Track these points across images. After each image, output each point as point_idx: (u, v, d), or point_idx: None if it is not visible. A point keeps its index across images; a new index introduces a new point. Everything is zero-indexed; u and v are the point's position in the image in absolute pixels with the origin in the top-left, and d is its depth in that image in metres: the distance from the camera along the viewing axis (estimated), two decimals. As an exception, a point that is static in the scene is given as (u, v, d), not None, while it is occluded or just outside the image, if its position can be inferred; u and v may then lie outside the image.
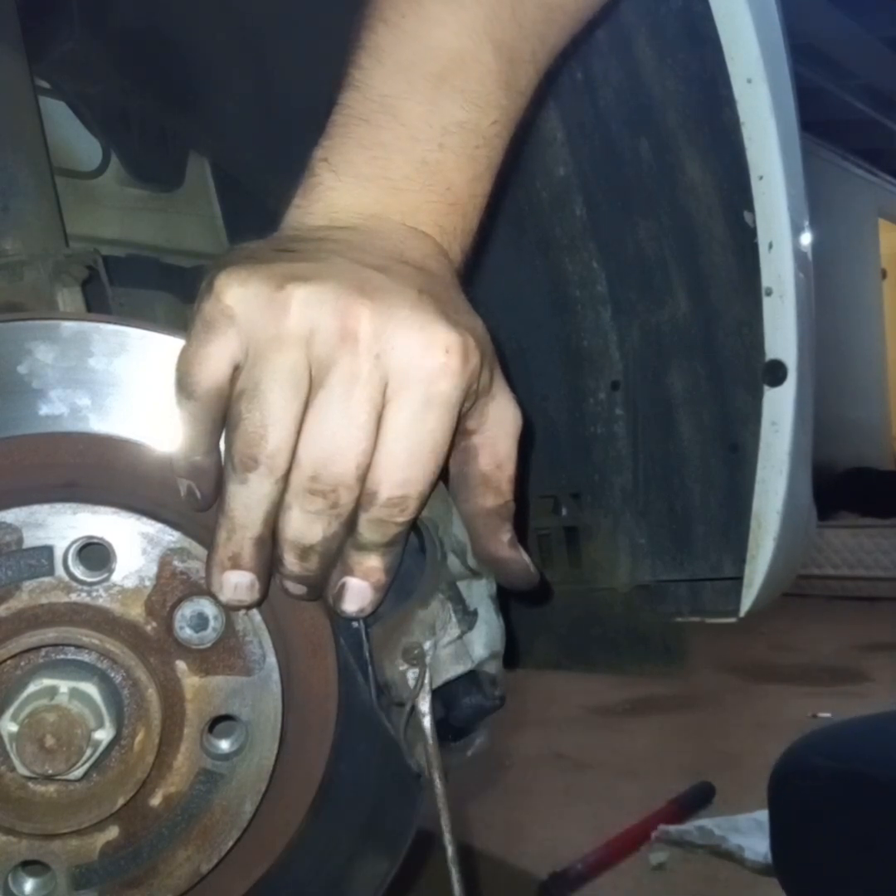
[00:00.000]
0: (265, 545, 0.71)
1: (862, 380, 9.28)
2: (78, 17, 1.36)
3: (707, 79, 1.17)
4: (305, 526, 0.69)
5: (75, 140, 1.49)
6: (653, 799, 3.24)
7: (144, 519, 0.73)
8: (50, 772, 0.69)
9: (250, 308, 0.68)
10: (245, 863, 0.79)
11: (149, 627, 0.74)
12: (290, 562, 0.71)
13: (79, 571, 0.73)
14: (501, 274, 1.28)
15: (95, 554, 0.73)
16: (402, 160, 0.75)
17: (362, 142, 0.75)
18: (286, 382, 0.67)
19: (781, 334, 1.20)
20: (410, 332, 0.67)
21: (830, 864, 1.34)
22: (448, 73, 0.77)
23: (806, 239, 1.21)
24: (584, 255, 1.30)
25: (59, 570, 0.72)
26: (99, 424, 0.76)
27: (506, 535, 0.76)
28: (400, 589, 0.76)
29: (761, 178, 1.17)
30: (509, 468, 0.75)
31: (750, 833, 2.88)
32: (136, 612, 0.73)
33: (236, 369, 0.69)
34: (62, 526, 0.72)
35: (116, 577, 0.73)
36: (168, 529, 0.73)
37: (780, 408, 1.21)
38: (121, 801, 0.73)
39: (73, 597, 0.73)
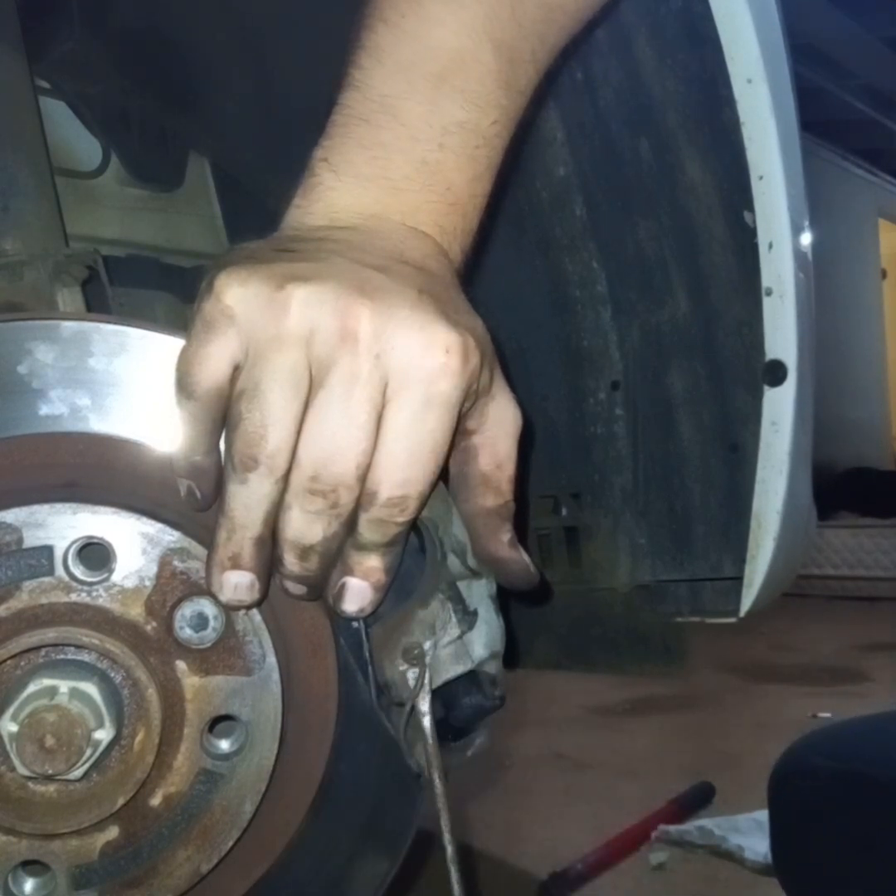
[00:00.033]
0: (265, 545, 0.71)
1: (862, 380, 9.28)
2: (78, 17, 1.36)
3: (707, 79, 1.17)
4: (305, 526, 0.69)
5: (75, 140, 1.49)
6: (653, 799, 3.24)
7: (144, 519, 0.73)
8: (50, 772, 0.69)
9: (250, 308, 0.68)
10: (245, 863, 0.79)
11: (149, 627, 0.74)
12: (290, 562, 0.71)
13: (79, 571, 0.73)
14: (501, 274, 1.28)
15: (95, 554, 0.73)
16: (402, 160, 0.75)
17: (362, 142, 0.75)
18: (286, 382, 0.67)
19: (781, 334, 1.20)
20: (410, 332, 0.67)
21: (830, 864, 1.34)
22: (448, 73, 0.77)
23: (806, 239, 1.21)
24: (584, 255, 1.30)
25: (59, 570, 0.72)
26: (99, 424, 0.76)
27: (506, 535, 0.76)
28: (400, 589, 0.76)
29: (761, 178, 1.17)
30: (509, 468, 0.75)
31: (750, 833, 2.88)
32: (136, 612, 0.73)
33: (236, 369, 0.69)
34: (62, 526, 0.72)
35: (116, 576, 0.73)
36: (168, 529, 0.73)
37: (780, 408, 1.21)
38: (121, 801, 0.73)
39: (73, 597, 0.73)
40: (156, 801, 0.75)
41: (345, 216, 0.74)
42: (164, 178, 1.57)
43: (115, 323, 0.77)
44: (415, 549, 0.77)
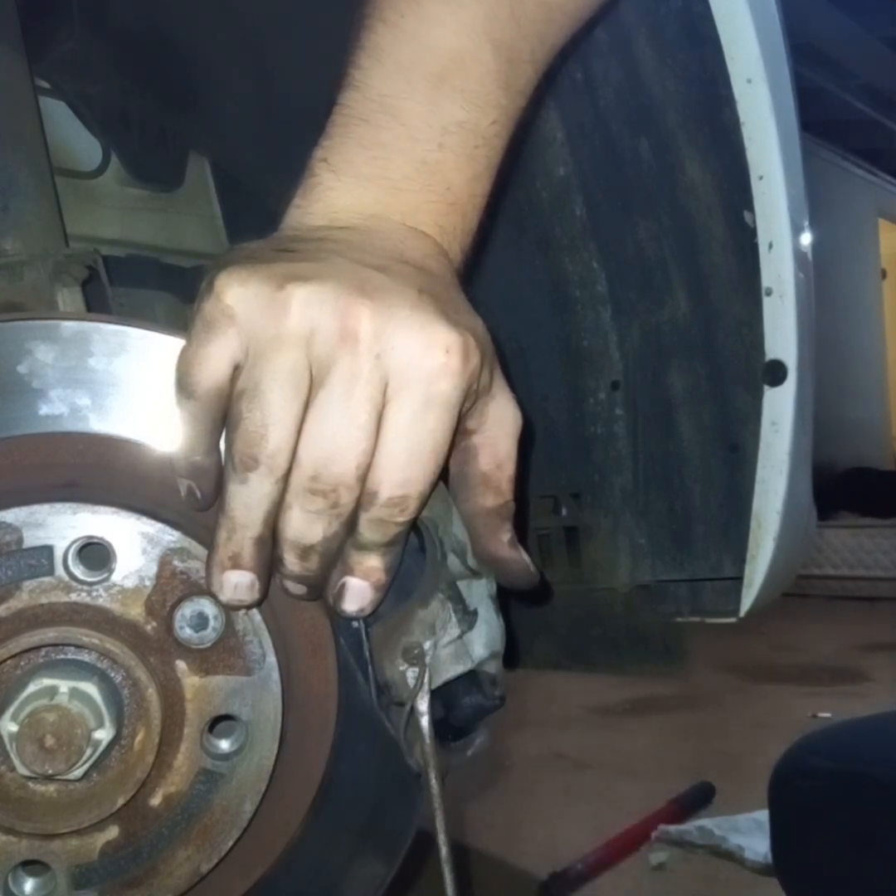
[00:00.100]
0: (265, 545, 0.71)
1: (862, 380, 9.28)
2: (78, 17, 1.36)
3: (707, 79, 1.17)
4: (306, 526, 0.69)
5: (75, 140, 1.49)
6: (653, 799, 3.24)
7: (144, 519, 0.73)
8: (50, 771, 0.69)
9: (250, 308, 0.68)
10: (245, 863, 0.79)
11: (149, 627, 0.74)
12: (291, 561, 0.71)
13: (79, 571, 0.73)
14: (501, 274, 1.28)
15: (95, 554, 0.73)
16: (402, 160, 0.75)
17: (362, 142, 0.75)
18: (286, 382, 0.67)
19: (781, 334, 1.20)
20: (411, 331, 0.67)
21: (830, 864, 1.34)
22: (447, 73, 0.77)
23: (806, 239, 1.21)
24: (584, 255, 1.30)
25: (59, 570, 0.72)
26: (99, 424, 0.76)
27: (506, 534, 0.76)
28: (400, 589, 0.76)
29: (761, 178, 1.16)
30: (509, 468, 0.75)
31: (750, 833, 2.88)
32: (136, 611, 0.73)
33: (236, 369, 0.69)
34: (62, 526, 0.72)
35: (116, 576, 0.73)
36: (168, 529, 0.73)
37: (780, 408, 1.21)
38: (121, 801, 0.73)
39: (73, 596, 0.73)
40: (156, 800, 0.75)
41: (345, 216, 0.74)
42: (164, 178, 1.57)
43: (115, 323, 0.77)
44: (415, 549, 0.77)
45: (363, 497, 0.69)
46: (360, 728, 0.80)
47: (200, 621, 0.74)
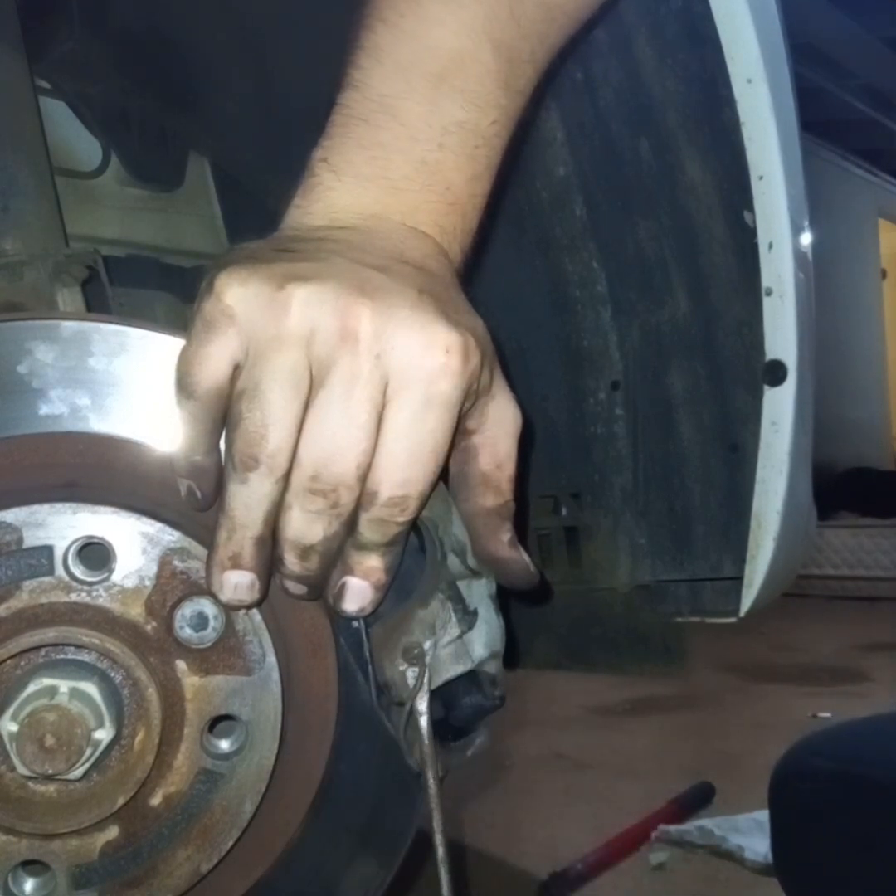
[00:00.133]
0: (265, 545, 0.71)
1: (862, 380, 9.28)
2: (78, 17, 1.36)
3: (707, 79, 1.16)
4: (306, 525, 0.69)
5: (75, 140, 1.49)
6: (653, 799, 3.24)
7: (144, 519, 0.73)
8: (50, 771, 0.69)
9: (251, 308, 0.68)
10: (245, 863, 0.79)
11: (149, 627, 0.74)
12: (291, 561, 0.71)
13: (79, 571, 0.73)
14: (501, 274, 1.28)
15: (95, 554, 0.73)
16: (402, 160, 0.75)
17: (362, 142, 0.75)
18: (286, 382, 0.67)
19: (781, 334, 1.20)
20: (411, 331, 0.67)
21: (831, 865, 1.34)
22: (447, 73, 0.77)
23: (806, 239, 1.21)
24: (584, 255, 1.30)
25: (59, 570, 0.72)
26: (99, 424, 0.76)
27: (506, 534, 0.76)
28: (400, 588, 0.76)
29: (761, 178, 1.16)
30: (509, 468, 0.75)
31: (750, 833, 2.88)
32: (136, 611, 0.73)
33: (236, 369, 0.69)
34: (62, 526, 0.72)
35: (116, 576, 0.73)
36: (168, 529, 0.73)
37: (780, 408, 1.21)
38: (121, 801, 0.73)
39: (73, 596, 0.73)
40: (156, 800, 0.75)
41: (344, 216, 0.74)
42: (164, 178, 1.57)
43: (115, 323, 0.77)
44: (415, 549, 0.77)
45: (363, 497, 0.69)
46: (360, 728, 0.80)
47: (200, 621, 0.74)
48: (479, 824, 3.01)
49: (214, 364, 0.69)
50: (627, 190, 1.26)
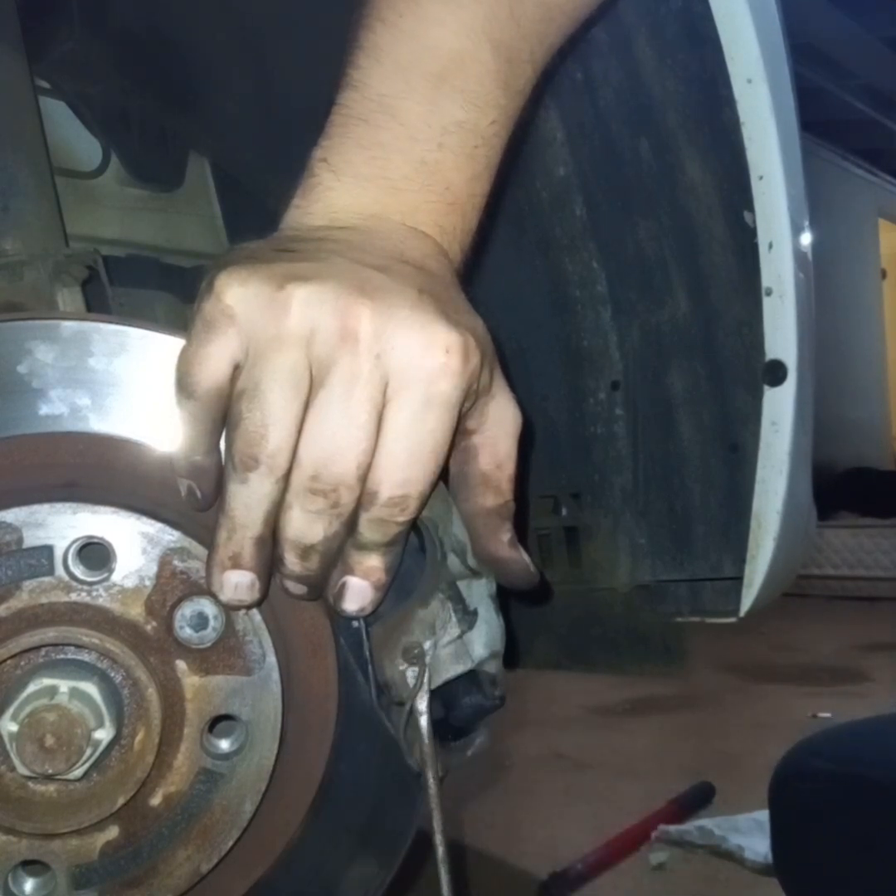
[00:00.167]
0: (266, 545, 0.71)
1: (862, 380, 9.28)
2: (78, 17, 1.36)
3: (707, 79, 1.16)
4: (306, 525, 0.69)
5: (75, 140, 1.49)
6: (653, 799, 3.25)
7: (144, 518, 0.73)
8: (50, 771, 0.69)
9: (251, 308, 0.68)
10: (245, 863, 0.79)
11: (149, 627, 0.74)
12: (291, 561, 0.71)
13: (79, 571, 0.73)
14: (501, 274, 1.28)
15: (95, 553, 0.73)
16: (401, 160, 0.75)
17: (361, 142, 0.75)
18: (286, 382, 0.67)
19: (781, 334, 1.20)
20: (411, 331, 0.67)
21: (831, 866, 1.34)
22: (447, 73, 0.77)
23: (806, 239, 1.21)
24: (584, 255, 1.30)
25: (59, 570, 0.72)
26: (99, 424, 0.76)
27: (506, 534, 0.76)
28: (400, 588, 0.76)
29: (761, 178, 1.16)
30: (509, 468, 0.75)
31: (750, 833, 2.88)
32: (136, 611, 0.73)
33: (236, 369, 0.69)
34: (62, 526, 0.72)
35: (116, 576, 0.73)
36: (168, 529, 0.73)
37: (780, 408, 1.21)
38: (121, 801, 0.73)
39: (73, 596, 0.73)
40: (156, 800, 0.75)
41: (344, 216, 0.74)
42: (164, 178, 1.57)
43: (115, 323, 0.77)
44: (415, 549, 0.78)
45: (363, 497, 0.69)
46: (360, 728, 0.80)
47: (200, 621, 0.74)
48: (479, 824, 3.01)
49: (214, 364, 0.69)
50: (627, 190, 1.26)
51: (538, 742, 3.85)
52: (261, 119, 1.42)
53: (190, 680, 0.74)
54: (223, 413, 0.70)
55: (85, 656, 0.74)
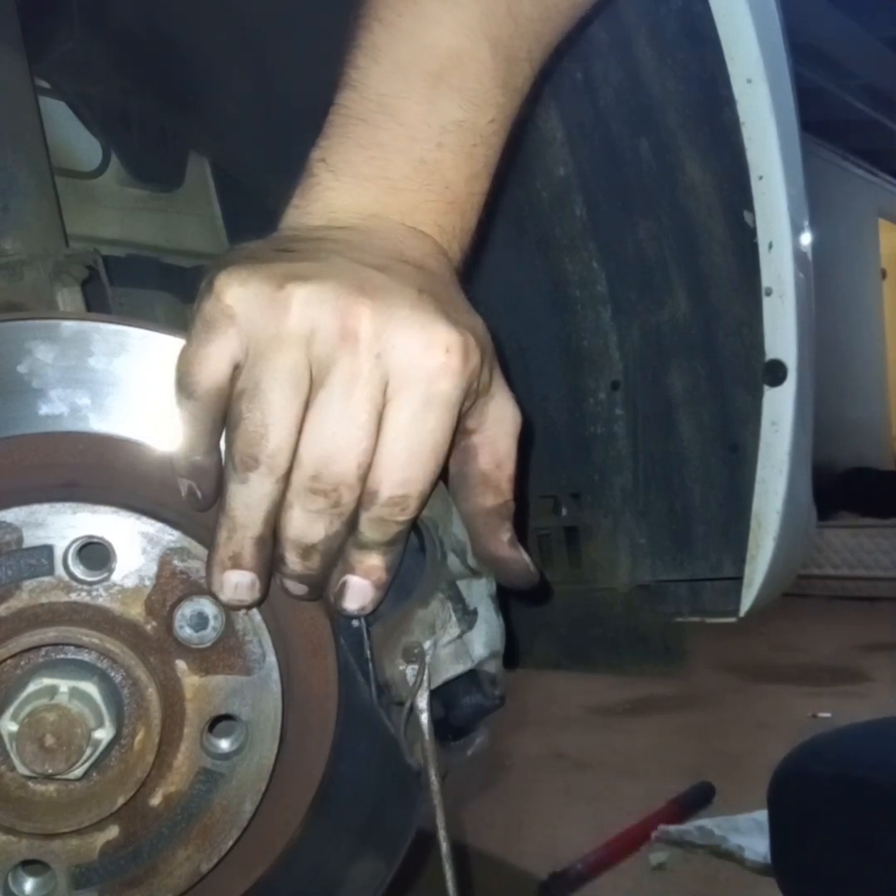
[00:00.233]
0: (266, 544, 0.71)
1: (862, 380, 9.28)
2: (78, 17, 1.36)
3: (707, 79, 1.17)
4: (307, 525, 0.70)
5: (75, 140, 1.49)
6: (653, 799, 3.24)
7: (144, 518, 0.73)
8: (50, 771, 0.69)
9: (251, 308, 0.68)
10: (245, 862, 0.79)
11: (149, 627, 0.74)
12: (292, 561, 0.71)
13: (79, 571, 0.73)
14: (501, 273, 1.28)
15: (95, 553, 0.73)
16: (401, 160, 0.75)
17: (360, 141, 0.75)
18: (286, 382, 0.67)
19: (781, 334, 1.20)
20: (411, 331, 0.67)
21: (830, 869, 1.34)
22: (445, 72, 0.77)
23: (806, 239, 1.21)
24: (584, 255, 1.30)
25: (59, 570, 0.72)
26: (99, 424, 0.76)
27: (506, 534, 0.76)
28: (400, 588, 0.77)
29: (761, 178, 1.17)
30: (509, 467, 0.75)
31: (750, 833, 2.88)
32: (135, 611, 0.73)
33: (237, 369, 0.69)
34: (62, 525, 0.72)
35: (116, 576, 0.73)
36: (168, 529, 0.73)
37: (780, 408, 1.21)
38: (121, 801, 0.73)
39: (73, 596, 0.73)
40: (156, 800, 0.75)
41: (343, 216, 0.74)
42: (164, 178, 1.57)
43: (115, 323, 0.77)
44: (415, 549, 0.78)
45: (364, 496, 0.69)
46: (360, 728, 0.80)
47: (200, 621, 0.74)
48: (480, 824, 3.01)
49: (214, 364, 0.69)
50: (627, 190, 1.26)
51: (538, 742, 3.85)
52: (261, 119, 1.42)
53: (190, 680, 0.74)
54: (223, 413, 0.70)
55: (85, 656, 0.74)
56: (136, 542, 0.73)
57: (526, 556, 0.77)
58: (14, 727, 0.69)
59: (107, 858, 0.75)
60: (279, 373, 0.67)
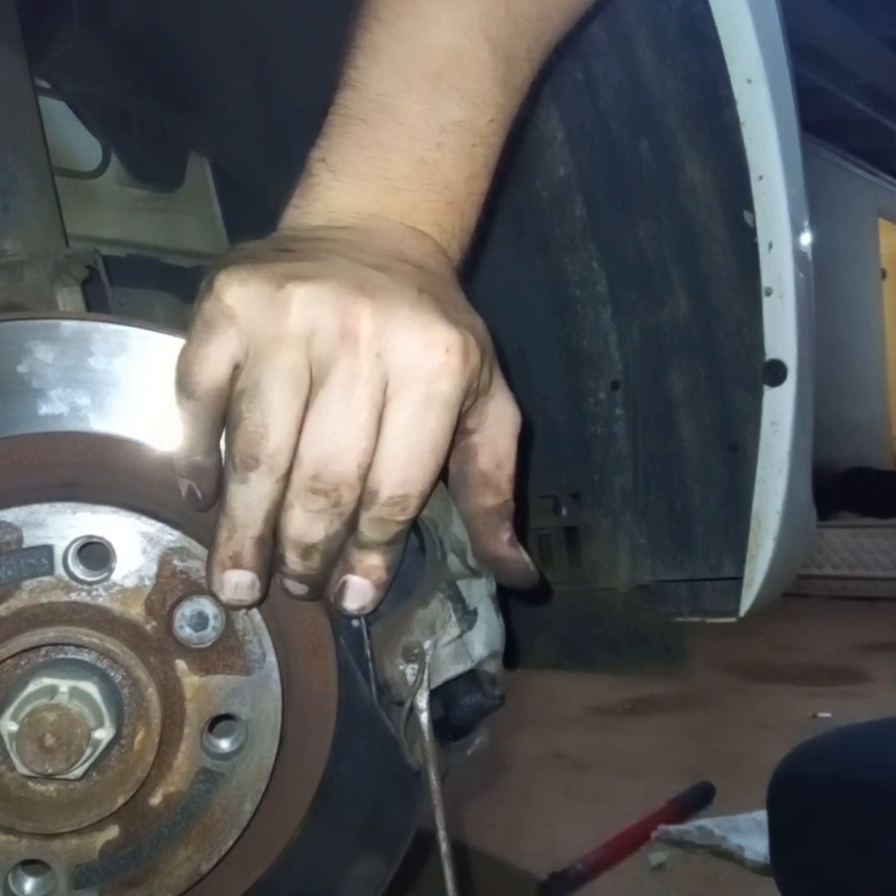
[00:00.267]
0: (266, 544, 0.71)
1: (862, 380, 9.28)
2: (78, 17, 1.36)
3: (707, 79, 1.17)
4: (307, 525, 0.70)
5: (75, 140, 1.49)
6: (653, 799, 3.24)
7: (144, 518, 0.73)
8: (50, 771, 0.69)
9: (251, 307, 0.68)
10: (245, 862, 0.79)
11: (148, 627, 0.74)
12: (293, 560, 0.71)
13: (79, 571, 0.73)
14: (501, 273, 1.28)
15: (95, 553, 0.73)
16: (401, 159, 0.75)
17: (360, 141, 0.75)
18: (286, 382, 0.67)
19: (781, 334, 1.20)
20: (411, 330, 0.67)
21: (829, 870, 1.34)
22: (445, 72, 0.77)
23: (806, 239, 1.21)
24: (584, 255, 1.30)
25: (59, 570, 0.72)
26: (99, 424, 0.76)
27: (505, 534, 0.76)
28: (400, 588, 0.77)
29: (761, 178, 1.17)
30: (509, 467, 0.75)
31: (750, 833, 2.88)
32: (135, 611, 0.73)
33: (237, 369, 0.69)
34: (62, 525, 0.72)
35: (116, 576, 0.73)
36: (168, 529, 0.73)
37: (780, 408, 1.21)
38: (121, 801, 0.73)
39: (73, 596, 0.73)
40: (156, 800, 0.75)
41: (343, 216, 0.74)
42: (164, 178, 1.57)
43: (115, 323, 0.77)
44: (415, 549, 0.78)
45: (364, 496, 0.69)
46: (360, 727, 0.80)
47: (200, 621, 0.74)
48: (479, 824, 3.01)
49: (214, 364, 0.69)
50: (627, 190, 1.26)
51: (538, 742, 3.85)
52: (261, 119, 1.42)
53: (190, 679, 0.74)
54: (223, 413, 0.70)
55: (85, 656, 0.74)
56: (136, 542, 0.73)
57: (526, 556, 0.77)
58: (14, 727, 0.69)
59: (107, 858, 0.75)
60: (279, 373, 0.67)
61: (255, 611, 0.74)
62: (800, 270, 1.19)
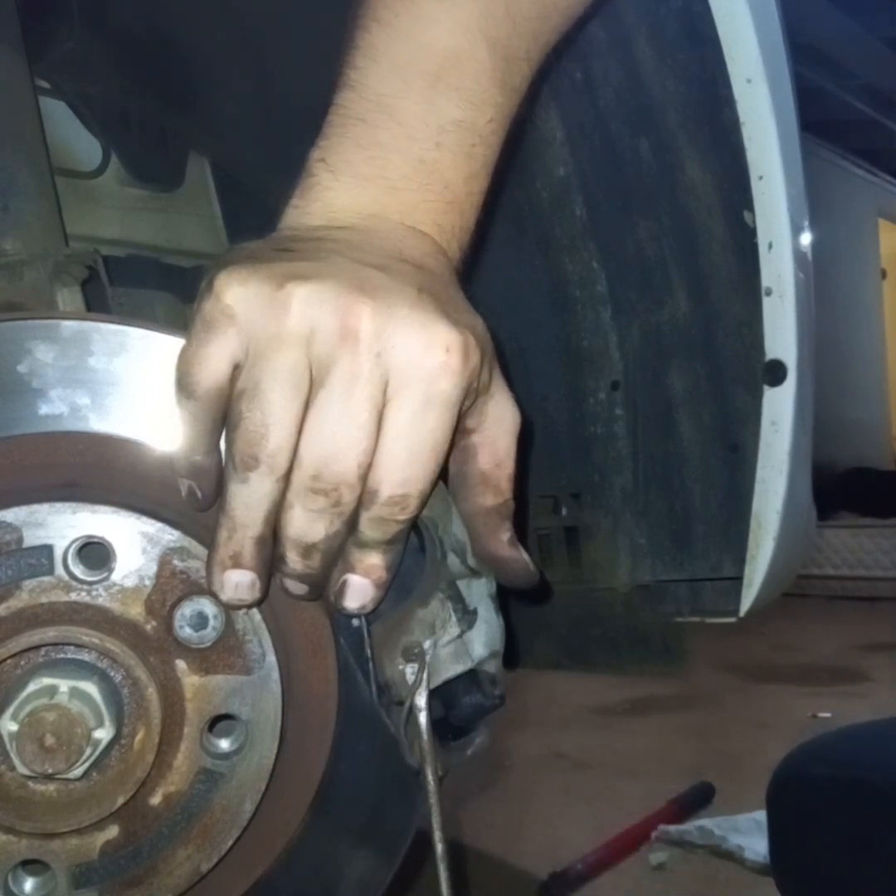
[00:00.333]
0: (266, 544, 0.71)
1: (862, 380, 9.28)
2: (78, 17, 1.36)
3: (707, 79, 1.17)
4: (308, 524, 0.70)
5: (75, 140, 1.49)
6: (653, 799, 3.24)
7: (144, 518, 0.73)
8: (50, 771, 0.69)
9: (251, 307, 0.68)
10: (245, 862, 0.79)
11: (148, 626, 0.74)
12: (293, 560, 0.71)
13: (79, 571, 0.73)
14: (501, 273, 1.28)
15: (95, 553, 0.73)
16: (400, 159, 0.75)
17: (359, 141, 0.75)
18: (286, 381, 0.67)
19: (781, 334, 1.20)
20: (411, 330, 0.67)
21: (829, 871, 1.34)
22: (444, 72, 0.77)
23: (806, 239, 1.21)
24: (584, 255, 1.30)
25: (59, 570, 0.72)
26: (99, 424, 0.76)
27: (505, 533, 0.76)
28: (400, 588, 0.77)
29: (761, 178, 1.17)
30: (508, 467, 0.75)
31: (750, 833, 2.88)
32: (135, 611, 0.73)
33: (237, 369, 0.69)
34: (62, 525, 0.72)
35: (116, 576, 0.73)
36: (168, 528, 0.73)
37: (780, 408, 1.21)
38: (121, 800, 0.73)
39: (73, 596, 0.73)
40: (156, 800, 0.75)
41: (343, 216, 0.74)
42: (164, 178, 1.57)
43: (115, 323, 0.77)
44: (415, 548, 0.78)
45: (364, 496, 0.69)
46: (360, 727, 0.80)
47: (200, 621, 0.74)
48: (479, 824, 3.01)
49: (214, 364, 0.69)
50: (627, 190, 1.26)
51: (538, 742, 3.85)
52: (261, 119, 1.42)
53: (190, 679, 0.74)
54: (223, 413, 0.70)
55: (85, 656, 0.74)
56: (135, 542, 0.73)
57: (526, 556, 0.77)
58: (14, 727, 0.69)
59: (107, 858, 0.75)
60: (279, 372, 0.67)
61: (255, 610, 0.74)
62: (800, 270, 1.19)
